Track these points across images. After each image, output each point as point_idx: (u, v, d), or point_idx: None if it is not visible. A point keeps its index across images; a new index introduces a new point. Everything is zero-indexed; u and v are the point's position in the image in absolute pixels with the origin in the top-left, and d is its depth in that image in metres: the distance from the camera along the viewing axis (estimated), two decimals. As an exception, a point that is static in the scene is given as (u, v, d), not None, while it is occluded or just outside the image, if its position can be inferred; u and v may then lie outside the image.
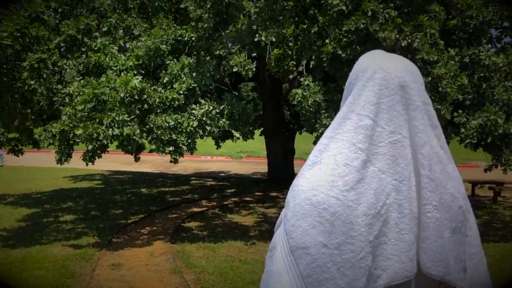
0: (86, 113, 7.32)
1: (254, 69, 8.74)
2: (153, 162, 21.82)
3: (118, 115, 7.23)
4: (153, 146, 7.67)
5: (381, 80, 1.32)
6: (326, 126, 7.34)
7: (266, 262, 1.39)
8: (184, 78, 7.75)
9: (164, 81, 7.84)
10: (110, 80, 7.54)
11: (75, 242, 8.12)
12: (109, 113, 7.23)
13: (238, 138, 13.93)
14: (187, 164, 22.11)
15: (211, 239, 8.45)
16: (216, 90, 9.09)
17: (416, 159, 1.31)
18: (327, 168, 1.29)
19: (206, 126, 7.64)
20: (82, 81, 7.81)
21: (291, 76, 9.25)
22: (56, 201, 11.98)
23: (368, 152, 1.28)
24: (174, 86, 7.78)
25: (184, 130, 7.55)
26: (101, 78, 7.65)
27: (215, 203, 12.35)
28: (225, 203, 12.49)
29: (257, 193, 14.02)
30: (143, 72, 7.86)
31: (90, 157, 7.36)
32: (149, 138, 7.55)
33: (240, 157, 25.89)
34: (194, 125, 7.55)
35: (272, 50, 7.79)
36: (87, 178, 16.30)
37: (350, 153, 1.28)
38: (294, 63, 9.01)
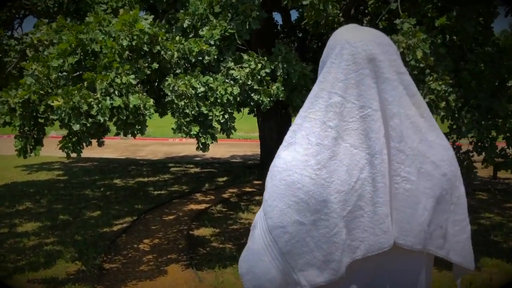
0: (66, 73, 4.33)
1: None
2: (116, 146, 18.50)
3: (120, 76, 4.30)
4: (173, 126, 4.79)
5: (348, 56, 1.26)
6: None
7: (248, 241, 1.35)
8: (215, 20, 4.87)
9: (185, 25, 4.93)
10: (103, 20, 4.56)
11: (47, 274, 5.13)
12: (105, 73, 4.29)
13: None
14: (155, 148, 18.99)
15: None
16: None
17: (387, 131, 1.25)
18: (300, 148, 1.25)
19: (253, 94, 4.82)
20: (53, 24, 4.77)
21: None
22: (9, 201, 8.69)
23: (339, 129, 1.24)
24: (200, 33, 4.89)
25: (218, 100, 4.71)
26: (87, 18, 4.65)
27: (212, 197, 9.57)
28: (224, 196, 9.74)
29: (256, 182, 11.31)
30: (146, 9, 4.86)
31: (74, 143, 4.40)
32: (167, 112, 4.65)
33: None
34: (235, 92, 4.72)
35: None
36: (44, 168, 12.88)
37: (321, 132, 1.24)
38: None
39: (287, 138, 1.33)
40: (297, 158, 1.25)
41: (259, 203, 8.94)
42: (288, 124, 12.75)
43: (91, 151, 15.60)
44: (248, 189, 10.42)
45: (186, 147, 19.85)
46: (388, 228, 1.24)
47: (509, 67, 5.31)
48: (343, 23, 6.90)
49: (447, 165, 1.31)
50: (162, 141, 21.32)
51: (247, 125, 18.13)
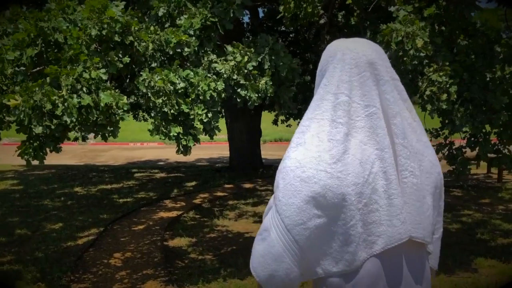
0: (24, 68, 3.70)
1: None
2: (73, 152, 17.53)
3: (89, 71, 3.71)
4: (150, 127, 4.23)
5: (350, 60, 1.32)
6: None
7: (257, 246, 1.33)
8: (194, 8, 4.35)
9: (160, 14, 4.38)
10: (66, 7, 3.95)
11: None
12: (70, 66, 3.69)
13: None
14: (116, 153, 18.15)
15: (229, 271, 5.21)
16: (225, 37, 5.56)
17: (390, 129, 1.30)
18: (311, 146, 1.27)
19: (239, 90, 4.33)
20: (7, 12, 4.12)
21: (322, 21, 6.15)
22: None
23: (348, 126, 1.27)
24: (177, 22, 4.36)
25: (201, 97, 4.19)
26: (47, 4, 4.02)
27: (183, 203, 8.98)
28: (196, 202, 9.17)
29: (227, 186, 10.79)
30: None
31: (36, 148, 3.77)
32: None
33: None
34: (219, 88, 4.21)
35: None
36: (-5, 177, 11.93)
37: (332, 129, 1.27)
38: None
39: (295, 139, 1.33)
40: (310, 155, 1.26)
41: (233, 208, 8.45)
42: (258, 124, 12.33)
43: (46, 158, 14.64)
44: (220, 194, 9.89)
45: (148, 151, 19.12)
46: (405, 219, 1.26)
47: (503, 59, 5.06)
48: (322, 16, 6.49)
49: (439, 165, 1.41)
50: (122, 146, 20.44)
51: (211, 127, 17.57)
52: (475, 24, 5.25)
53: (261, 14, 12.22)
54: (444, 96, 4.25)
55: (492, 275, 5.03)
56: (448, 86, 4.26)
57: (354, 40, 1.41)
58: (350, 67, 1.32)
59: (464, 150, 5.36)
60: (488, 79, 5.04)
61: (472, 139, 5.22)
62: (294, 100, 5.65)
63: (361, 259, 1.25)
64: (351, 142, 1.26)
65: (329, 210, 1.23)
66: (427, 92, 4.29)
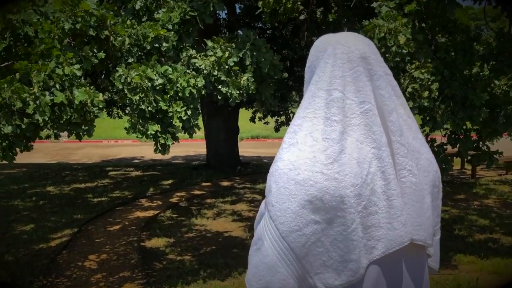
0: (-9, 62, 3.49)
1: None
2: (45, 150, 17.06)
3: (62, 66, 3.52)
4: (126, 125, 4.06)
5: (342, 54, 1.24)
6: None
7: (251, 257, 1.24)
8: (172, 2, 4.19)
9: (137, 7, 4.21)
10: (37, -1, 3.75)
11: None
12: (42, 62, 3.49)
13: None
14: (89, 151, 17.76)
15: (209, 272, 5.08)
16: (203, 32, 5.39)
17: (386, 126, 1.23)
18: (305, 146, 1.18)
19: (220, 87, 4.19)
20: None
21: (302, 17, 6.05)
22: None
23: (344, 124, 1.19)
24: (155, 16, 4.19)
25: (180, 94, 4.03)
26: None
27: (159, 202, 8.79)
28: (172, 200, 8.99)
29: (204, 184, 10.63)
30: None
31: (5, 148, 3.56)
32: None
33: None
34: (199, 85, 4.06)
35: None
36: (-39, 177, 11.47)
37: (326, 127, 1.19)
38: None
39: (287, 140, 1.24)
40: (304, 156, 1.17)
41: (211, 207, 8.31)
42: (236, 122, 12.20)
43: (17, 156, 14.23)
44: (197, 192, 9.73)
45: (123, 148, 18.77)
46: (406, 221, 1.19)
47: (482, 56, 5.06)
48: (302, 12, 6.41)
49: (436, 162, 1.34)
50: (96, 143, 20.01)
51: (187, 124, 17.35)
52: (456, 21, 5.24)
53: (238, 10, 12.08)
54: (426, 93, 4.20)
55: (472, 271, 5.04)
56: (430, 83, 4.22)
57: (344, 34, 1.33)
58: (342, 62, 1.23)
59: (445, 147, 5.34)
60: (468, 76, 5.04)
61: (453, 136, 5.21)
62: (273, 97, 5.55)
63: (363, 266, 1.16)
64: (347, 141, 1.18)
65: (327, 215, 1.13)
66: (409, 89, 4.24)
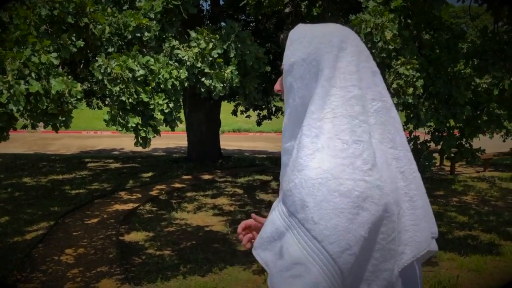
0: (-37, 48, 3.31)
1: None
2: (22, 140, 16.70)
3: (38, 54, 3.37)
4: (106, 116, 3.92)
5: (351, 47, 1.14)
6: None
7: (286, 286, 1.02)
8: (155, -9, 4.05)
9: (118, -5, 4.07)
10: (12, -17, 3.57)
11: None
12: (17, 49, 3.34)
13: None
14: (68, 141, 17.43)
15: (189, 268, 4.99)
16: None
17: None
18: (335, 151, 1.05)
19: (203, 79, 4.08)
20: None
21: (287, 10, 5.96)
22: None
23: (368, 123, 1.10)
24: (137, 4, 4.05)
25: (162, 86, 3.91)
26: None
27: (139, 195, 8.64)
28: (152, 193, 8.85)
29: (185, 177, 10.50)
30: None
31: (-23, 139, 3.40)
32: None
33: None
34: (182, 76, 3.95)
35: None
36: None
37: (354, 128, 1.07)
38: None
39: (309, 145, 1.09)
40: (339, 162, 1.04)
41: (191, 200, 8.21)
42: (218, 115, 12.09)
43: (-7, 147, 13.88)
44: (177, 185, 9.60)
45: (102, 140, 18.49)
46: (428, 220, 1.16)
47: (467, 53, 5.05)
48: (287, 5, 6.31)
49: None
50: (74, 134, 19.67)
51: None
52: (440, 18, 5.22)
53: (221, 2, 11.93)
54: (411, 90, 4.17)
55: (452, 268, 5.05)
56: (414, 80, 4.19)
57: (333, 25, 1.21)
58: (353, 55, 1.12)
59: (428, 144, 5.34)
60: (452, 73, 5.03)
61: (437, 133, 5.20)
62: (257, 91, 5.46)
63: (396, 274, 1.09)
64: (373, 142, 1.10)
65: (371, 227, 1.03)
66: (394, 85, 4.20)
